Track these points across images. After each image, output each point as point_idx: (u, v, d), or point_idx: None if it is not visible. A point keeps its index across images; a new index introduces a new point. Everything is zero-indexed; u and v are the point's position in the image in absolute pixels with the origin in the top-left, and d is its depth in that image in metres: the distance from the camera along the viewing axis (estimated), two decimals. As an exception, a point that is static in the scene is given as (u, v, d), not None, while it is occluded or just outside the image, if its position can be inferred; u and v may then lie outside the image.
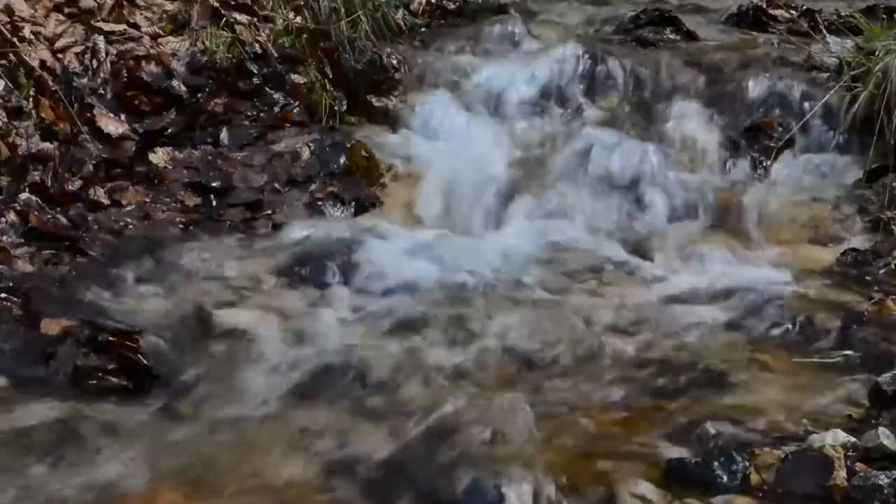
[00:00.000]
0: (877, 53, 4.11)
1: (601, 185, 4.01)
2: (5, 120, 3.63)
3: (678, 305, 3.35)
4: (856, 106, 4.07)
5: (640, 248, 3.79)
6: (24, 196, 3.56)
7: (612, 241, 3.82)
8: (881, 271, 3.57)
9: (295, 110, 4.20)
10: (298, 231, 3.68)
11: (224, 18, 4.29)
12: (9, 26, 3.81)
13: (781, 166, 4.12)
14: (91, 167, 3.74)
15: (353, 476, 2.47)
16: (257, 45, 4.27)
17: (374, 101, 4.36)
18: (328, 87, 4.29)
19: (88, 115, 3.86)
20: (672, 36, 4.73)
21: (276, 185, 3.90)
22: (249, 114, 4.15)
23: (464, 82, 4.45)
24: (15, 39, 3.78)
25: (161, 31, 4.25)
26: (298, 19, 4.39)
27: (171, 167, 3.88)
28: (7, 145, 3.60)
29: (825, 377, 2.91)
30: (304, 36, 4.34)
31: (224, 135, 4.04)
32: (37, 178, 3.63)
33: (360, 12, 4.38)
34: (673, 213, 3.96)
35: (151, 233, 3.61)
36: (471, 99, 4.38)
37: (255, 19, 4.36)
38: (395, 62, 4.41)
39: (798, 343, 3.13)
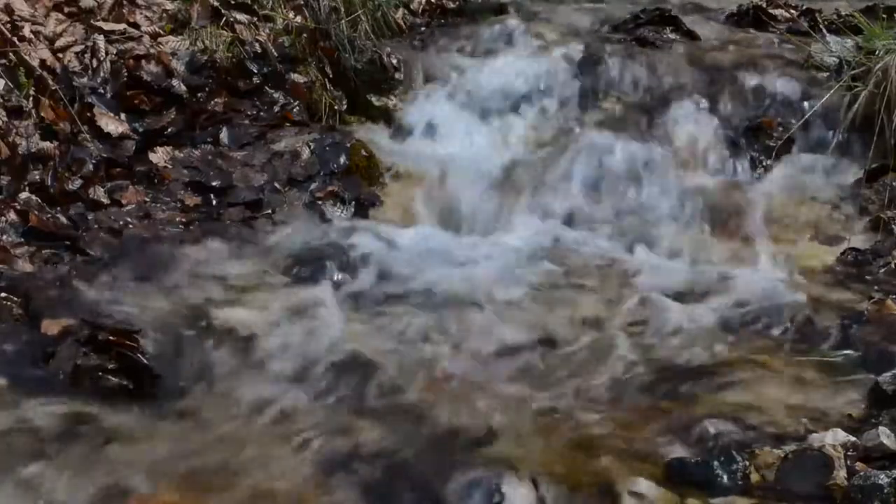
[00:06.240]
0: (877, 53, 4.11)
1: (600, 185, 4.01)
2: (5, 119, 3.62)
3: (678, 305, 3.35)
4: (856, 105, 4.07)
5: (639, 248, 3.79)
6: (24, 195, 3.55)
7: (612, 241, 3.82)
8: (881, 271, 3.56)
9: (295, 110, 4.20)
10: (298, 230, 3.68)
11: (224, 18, 4.29)
12: (9, 25, 3.81)
13: (781, 166, 4.12)
14: (91, 166, 3.73)
15: (353, 476, 2.47)
16: (257, 45, 4.27)
17: (374, 100, 4.36)
18: (328, 86, 4.29)
19: (88, 114, 3.86)
20: (672, 35, 4.73)
21: (276, 185, 3.90)
22: (249, 113, 4.15)
23: (464, 82, 4.46)
24: (15, 38, 3.78)
25: (161, 31, 4.25)
26: (298, 19, 4.39)
27: (171, 166, 3.88)
28: (7, 145, 3.59)
29: (825, 377, 2.92)
30: (304, 35, 4.34)
31: (224, 134, 4.04)
32: (37, 177, 3.62)
33: (360, 12, 4.38)
34: (673, 212, 3.96)
35: (151, 232, 3.61)
36: (471, 98, 4.38)
37: (255, 19, 4.36)
38: (395, 62, 4.41)
39: (798, 343, 3.13)
